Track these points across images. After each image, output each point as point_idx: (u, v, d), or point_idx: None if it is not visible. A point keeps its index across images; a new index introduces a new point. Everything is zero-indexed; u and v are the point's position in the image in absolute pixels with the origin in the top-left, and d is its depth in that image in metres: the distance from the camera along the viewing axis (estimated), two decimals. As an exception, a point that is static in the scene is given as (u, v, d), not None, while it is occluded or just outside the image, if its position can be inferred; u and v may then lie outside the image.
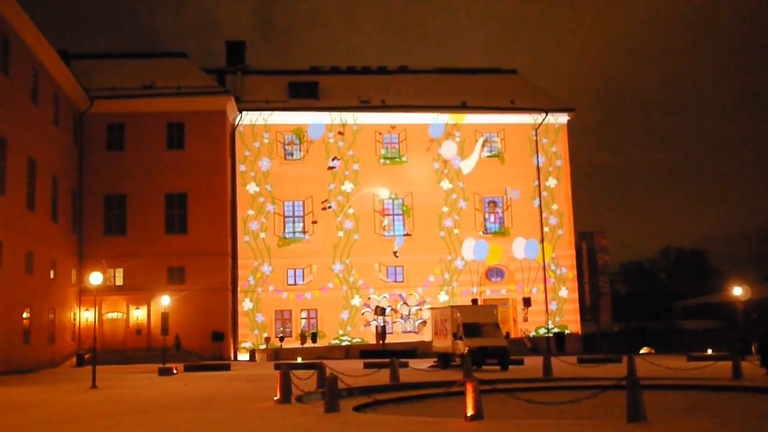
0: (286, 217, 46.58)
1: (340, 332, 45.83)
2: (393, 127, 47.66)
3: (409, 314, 46.72)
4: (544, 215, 48.57)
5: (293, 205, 46.69)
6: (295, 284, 46.01)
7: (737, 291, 36.18)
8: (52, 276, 37.38)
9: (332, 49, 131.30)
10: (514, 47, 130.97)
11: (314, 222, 46.41)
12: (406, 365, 28.77)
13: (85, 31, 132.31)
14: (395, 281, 46.87)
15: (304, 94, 48.18)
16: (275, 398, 16.17)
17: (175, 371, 28.57)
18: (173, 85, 44.23)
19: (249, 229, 45.99)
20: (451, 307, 32.84)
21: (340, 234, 46.64)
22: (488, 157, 48.63)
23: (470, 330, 29.28)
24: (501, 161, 48.67)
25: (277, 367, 27.71)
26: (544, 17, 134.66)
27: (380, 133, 47.90)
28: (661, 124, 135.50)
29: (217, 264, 43.13)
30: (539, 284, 47.96)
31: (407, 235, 47.27)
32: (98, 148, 43.21)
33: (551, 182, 48.91)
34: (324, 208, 46.71)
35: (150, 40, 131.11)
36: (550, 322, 47.72)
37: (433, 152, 47.97)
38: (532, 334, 47.19)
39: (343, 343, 45.33)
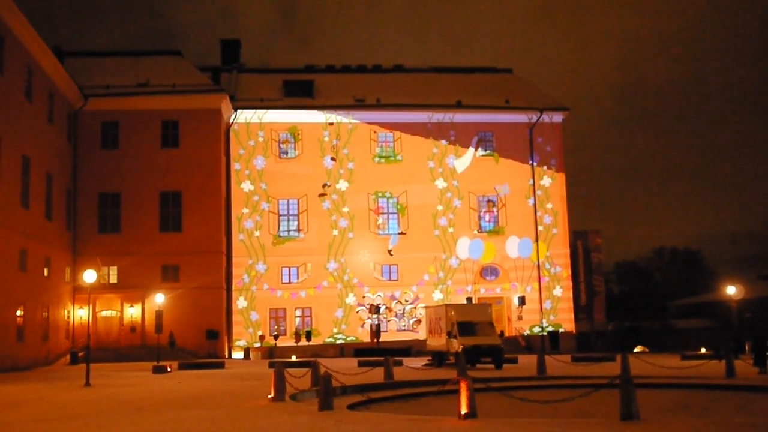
0: (281, 215, 46.55)
1: (335, 330, 45.84)
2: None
3: (404, 312, 46.74)
4: (538, 214, 48.64)
5: (288, 204, 46.68)
6: (290, 282, 45.99)
7: (731, 290, 36.25)
8: (46, 274, 37.29)
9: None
10: (509, 46, 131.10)
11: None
12: (400, 363, 28.80)
13: (91, 28, 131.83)
14: (390, 280, 46.89)
15: (298, 92, 48.18)
16: (269, 396, 16.17)
17: (169, 369, 28.57)
18: (168, 83, 44.17)
19: (243, 227, 45.96)
20: (446, 305, 32.89)
21: (335, 232, 46.63)
22: (483, 155, 48.69)
23: (464, 328, 29.36)
24: (495, 160, 48.72)
25: (271, 365, 27.70)
26: (540, 16, 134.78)
27: (375, 132, 47.91)
28: (656, 124, 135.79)
29: (212, 262, 43.10)
30: (534, 283, 48.03)
31: (402, 233, 47.29)
32: (92, 146, 43.12)
33: (546, 181, 48.98)
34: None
35: (149, 37, 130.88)
36: (544, 321, 47.80)
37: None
38: (527, 332, 47.25)
39: (338, 342, 45.35)
